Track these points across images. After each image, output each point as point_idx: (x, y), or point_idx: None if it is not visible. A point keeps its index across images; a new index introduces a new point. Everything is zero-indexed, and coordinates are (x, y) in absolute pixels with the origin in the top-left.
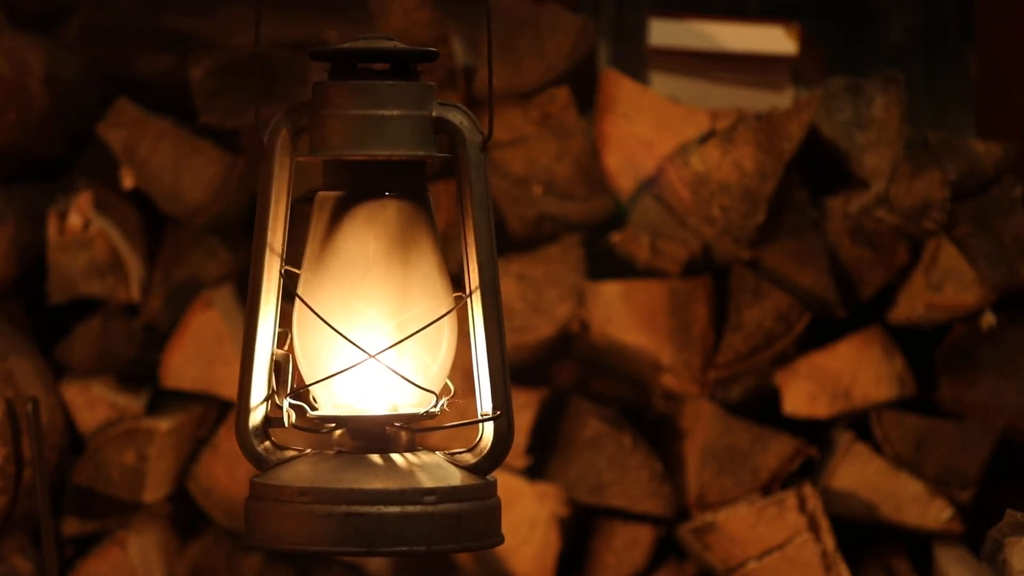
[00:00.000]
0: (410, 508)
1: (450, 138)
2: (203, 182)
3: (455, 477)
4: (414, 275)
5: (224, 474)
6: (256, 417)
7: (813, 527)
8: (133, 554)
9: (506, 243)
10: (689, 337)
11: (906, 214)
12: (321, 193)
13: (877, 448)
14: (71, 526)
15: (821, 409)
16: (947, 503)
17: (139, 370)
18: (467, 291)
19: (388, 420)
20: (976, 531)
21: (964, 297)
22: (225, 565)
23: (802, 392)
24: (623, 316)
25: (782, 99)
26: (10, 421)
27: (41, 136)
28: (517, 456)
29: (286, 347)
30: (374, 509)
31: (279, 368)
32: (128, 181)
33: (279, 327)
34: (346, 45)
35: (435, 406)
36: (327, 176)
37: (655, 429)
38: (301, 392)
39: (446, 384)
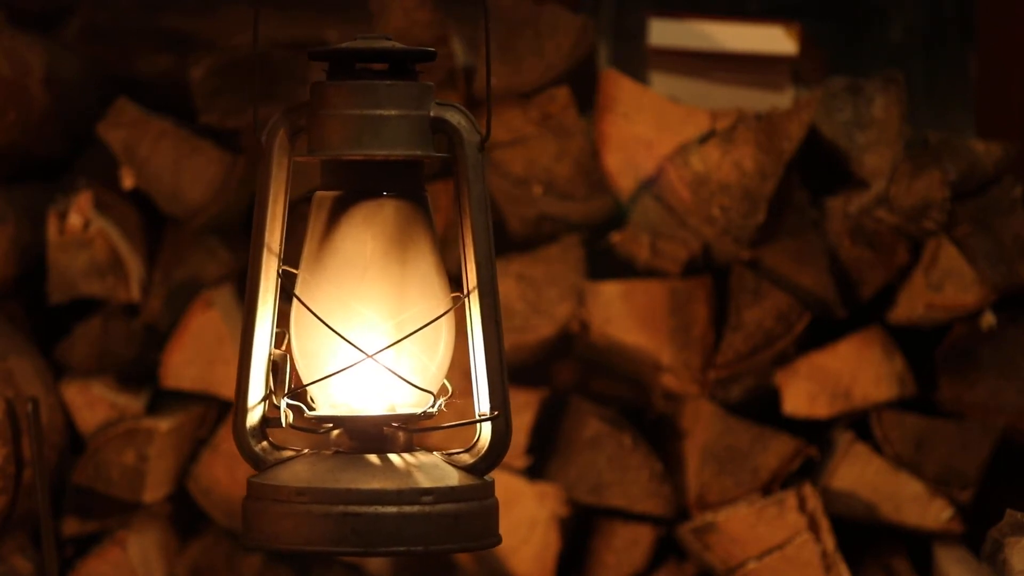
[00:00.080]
0: (408, 508)
1: (448, 138)
2: (203, 182)
3: (453, 477)
4: (412, 275)
5: (224, 474)
6: (254, 417)
7: (813, 527)
8: (133, 554)
9: (506, 243)
10: (689, 337)
11: (906, 214)
12: (319, 193)
13: (877, 448)
14: (71, 526)
15: (821, 409)
16: (947, 503)
17: (139, 370)
18: (465, 291)
19: (386, 420)
20: (976, 531)
21: (964, 297)
22: (225, 565)
23: (802, 392)
24: (623, 316)
25: (782, 99)
26: (10, 421)
27: (41, 136)
28: (517, 456)
29: (284, 347)
30: (371, 509)
31: (277, 368)
32: (128, 181)
33: (277, 327)
34: (344, 45)
35: (433, 406)
36: (325, 176)
37: (655, 429)
38: (299, 392)
39: (444, 384)
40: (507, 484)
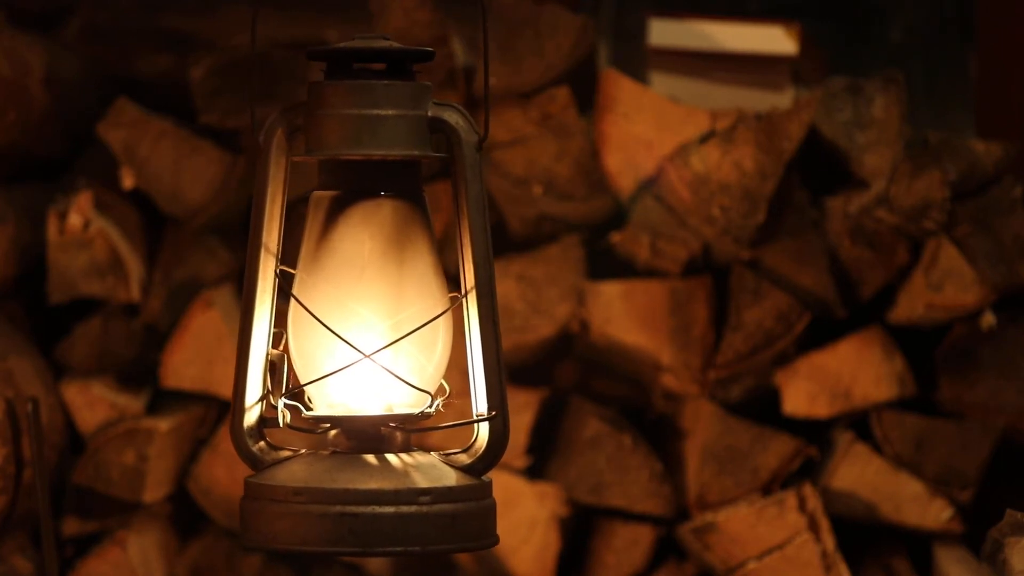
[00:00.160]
0: (405, 508)
1: (446, 138)
2: (203, 182)
3: (450, 477)
4: (409, 275)
5: (224, 474)
6: (251, 417)
7: (813, 527)
8: (133, 554)
9: (506, 243)
10: (689, 337)
11: (906, 214)
12: (316, 193)
13: (877, 448)
14: (71, 526)
15: (821, 409)
16: (947, 503)
17: (139, 370)
18: (463, 291)
19: (383, 420)
20: (976, 531)
21: (964, 297)
22: (225, 565)
23: (802, 392)
24: (623, 316)
25: (782, 99)
26: (10, 421)
27: (41, 136)
28: (517, 456)
29: (281, 347)
30: (369, 509)
31: (274, 368)
32: (128, 181)
33: (274, 327)
34: (342, 45)
35: (430, 406)
36: (323, 176)
37: (655, 429)
38: (296, 392)
39: (441, 384)
40: (507, 484)
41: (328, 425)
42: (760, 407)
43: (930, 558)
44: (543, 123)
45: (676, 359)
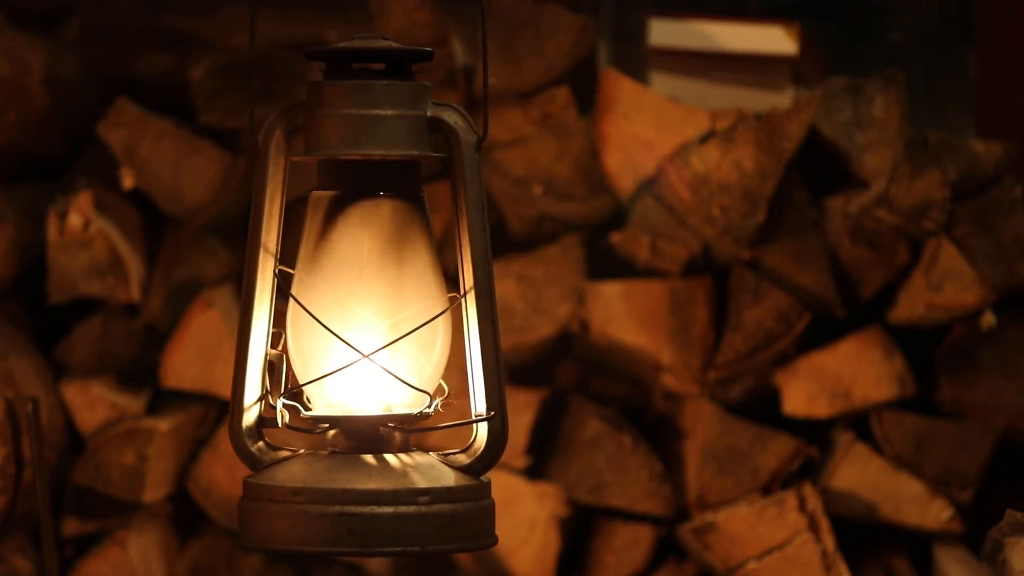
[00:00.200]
0: (404, 508)
1: (445, 138)
2: (203, 182)
3: (449, 477)
4: (408, 275)
5: (224, 474)
6: (250, 417)
7: (813, 527)
8: (133, 554)
9: (506, 243)
10: (689, 337)
11: (906, 214)
12: (315, 193)
13: (877, 448)
14: (71, 526)
15: (821, 409)
16: (947, 503)
17: (139, 370)
18: (461, 291)
19: (382, 420)
20: (976, 531)
21: (964, 297)
22: (225, 565)
23: (802, 392)
24: (623, 316)
25: (782, 99)
26: (10, 421)
27: (41, 136)
28: (517, 456)
29: (280, 347)
30: (367, 509)
31: (273, 368)
32: (128, 181)
33: (273, 327)
34: (341, 45)
35: (429, 406)
36: (321, 176)
37: (655, 429)
38: (295, 392)
39: (440, 384)
40: (507, 484)
41: (327, 425)
42: (760, 407)
43: (930, 558)
44: (543, 123)
45: (676, 359)
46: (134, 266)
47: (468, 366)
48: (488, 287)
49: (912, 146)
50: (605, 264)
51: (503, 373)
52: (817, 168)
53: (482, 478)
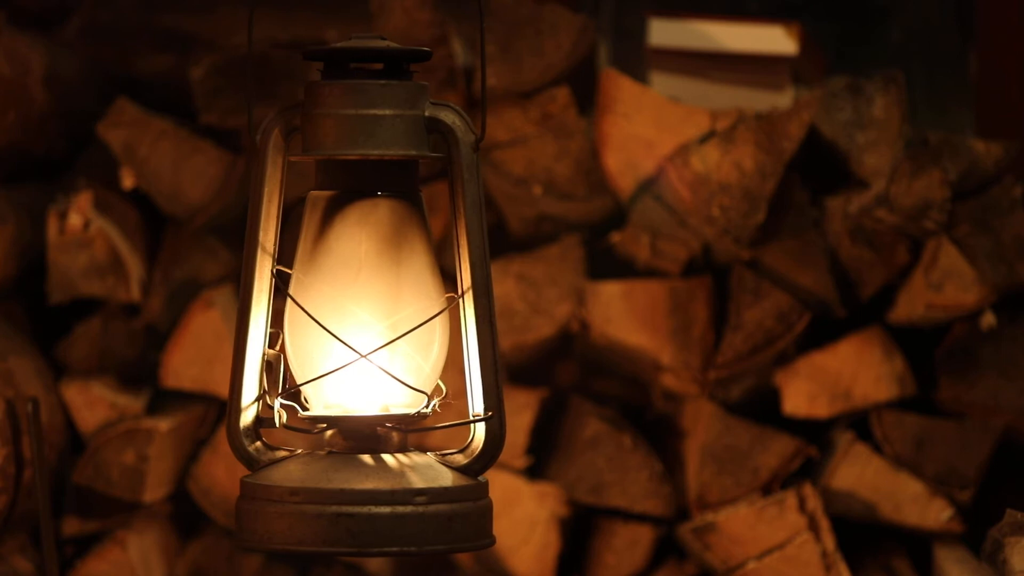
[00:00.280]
0: (401, 508)
1: (443, 138)
2: (203, 182)
3: (446, 478)
4: (406, 275)
5: (224, 474)
6: (248, 417)
7: (813, 527)
8: (133, 554)
9: (506, 243)
10: (689, 337)
11: (906, 214)
12: (313, 193)
13: (877, 448)
14: (71, 526)
15: (821, 409)
16: (947, 503)
17: (139, 370)
18: (459, 292)
19: (379, 420)
20: (976, 531)
21: (964, 297)
22: (225, 565)
23: (802, 392)
24: (623, 316)
25: (782, 99)
26: (10, 421)
27: (41, 136)
28: (517, 456)
29: (278, 347)
30: (365, 509)
31: (271, 368)
32: (128, 181)
33: (271, 327)
34: (339, 45)
35: (427, 406)
36: (319, 176)
37: (655, 429)
38: (293, 392)
39: (438, 385)
40: (507, 484)
41: (324, 425)
42: (760, 407)
43: (930, 558)
44: (543, 123)
45: (676, 359)
46: (134, 266)
47: (466, 366)
48: (486, 287)
49: (912, 146)
50: (605, 264)
51: (501, 373)
52: (817, 168)
53: (480, 478)
